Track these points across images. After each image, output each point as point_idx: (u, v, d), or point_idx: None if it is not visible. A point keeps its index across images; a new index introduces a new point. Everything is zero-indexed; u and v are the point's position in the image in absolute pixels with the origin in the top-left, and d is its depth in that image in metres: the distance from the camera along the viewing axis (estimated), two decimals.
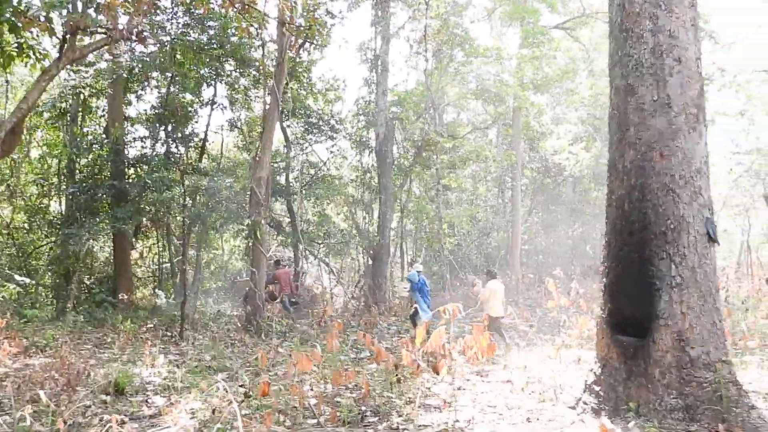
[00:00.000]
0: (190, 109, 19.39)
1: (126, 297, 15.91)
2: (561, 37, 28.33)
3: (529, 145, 32.54)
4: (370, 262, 20.06)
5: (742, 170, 28.72)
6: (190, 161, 19.24)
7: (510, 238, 29.37)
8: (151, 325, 13.94)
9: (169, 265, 21.03)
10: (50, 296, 15.95)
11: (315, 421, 6.57)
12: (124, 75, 17.33)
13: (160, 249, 21.64)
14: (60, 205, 19.93)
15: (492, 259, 29.96)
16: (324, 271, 24.88)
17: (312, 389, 7.78)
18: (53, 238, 18.19)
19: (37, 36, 10.57)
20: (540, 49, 24.64)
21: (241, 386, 7.74)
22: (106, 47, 17.09)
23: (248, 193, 17.14)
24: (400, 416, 6.89)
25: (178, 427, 6.28)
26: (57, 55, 9.89)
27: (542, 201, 34.58)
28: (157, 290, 17.66)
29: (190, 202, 16.37)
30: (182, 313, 12.62)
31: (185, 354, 10.73)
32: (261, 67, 15.82)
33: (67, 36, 9.50)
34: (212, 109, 20.69)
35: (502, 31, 30.83)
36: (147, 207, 16.75)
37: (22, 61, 10.21)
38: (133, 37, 9.56)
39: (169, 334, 13.04)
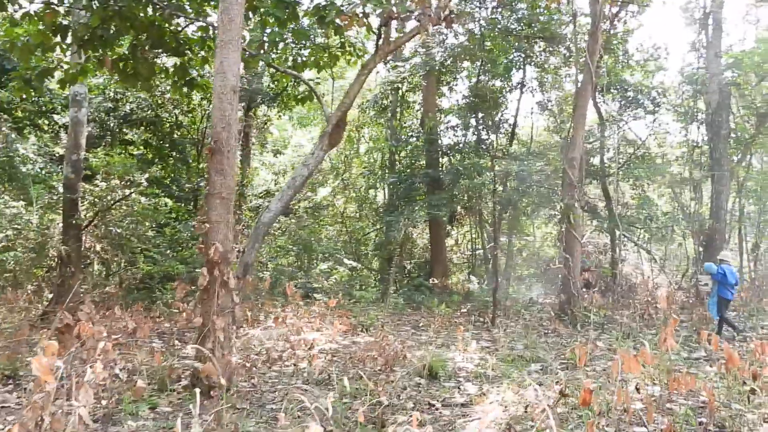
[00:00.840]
0: (499, 95, 19.29)
1: (441, 281, 16.44)
2: None
3: None
4: (701, 249, 17.60)
5: None
6: (500, 147, 19.15)
7: None
8: (464, 310, 14.08)
9: (481, 251, 21.31)
10: (375, 279, 17.25)
11: (644, 430, 5.63)
12: (437, 67, 17.88)
13: (474, 236, 22.05)
14: (384, 194, 21.56)
15: None
16: (644, 259, 22.72)
17: (639, 392, 6.79)
18: (378, 226, 19.71)
19: (357, 33, 11.33)
20: None
21: (556, 383, 7.10)
22: (418, 36, 18.04)
23: (560, 175, 16.36)
24: None
25: (489, 420, 5.92)
26: (373, 49, 10.38)
27: None
28: (470, 276, 17.92)
29: (501, 187, 16.16)
30: (494, 299, 12.43)
31: (497, 341, 10.46)
32: (572, 43, 14.83)
33: (382, 28, 9.87)
34: (522, 93, 20.31)
35: None
36: (459, 194, 17.05)
37: (344, 59, 11.01)
38: (442, 22, 9.50)
39: (481, 319, 12.98)
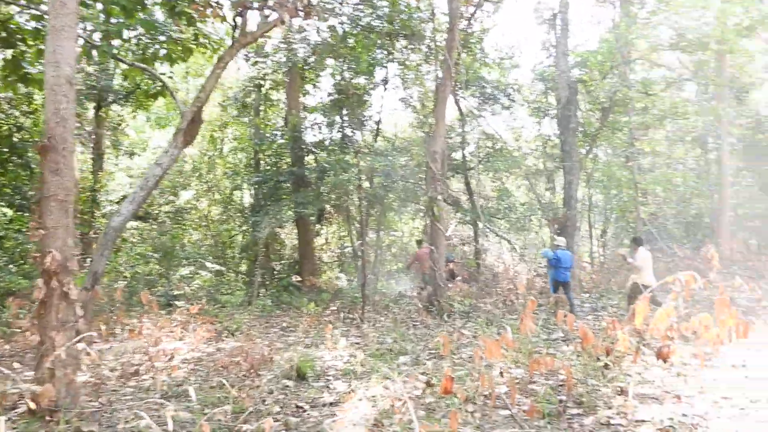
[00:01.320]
0: (363, 92, 19.34)
1: (310, 280, 16.24)
2: None
3: (736, 98, 28.52)
4: (556, 236, 18.66)
5: None
6: (365, 143, 19.21)
7: (716, 203, 26.04)
8: (334, 308, 13.95)
9: (351, 248, 21.32)
10: (242, 282, 16.71)
11: (508, 412, 5.74)
12: (299, 64, 17.63)
13: (343, 234, 22.00)
14: (250, 195, 20.97)
15: (694, 228, 26.95)
16: (506, 249, 23.78)
17: (502, 375, 6.96)
18: (244, 227, 19.11)
19: (212, 25, 10.82)
20: None
21: (422, 374, 7.12)
22: (280, 31, 17.68)
23: (424, 170, 16.68)
24: (609, 408, 5.83)
25: (357, 417, 5.79)
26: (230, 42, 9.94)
27: (753, 160, 30.30)
28: (339, 273, 17.84)
29: (367, 183, 16.20)
30: (363, 294, 12.40)
31: (366, 336, 10.40)
32: (432, 40, 15.14)
33: (237, 20, 9.47)
34: (385, 90, 20.51)
35: None
36: (326, 191, 16.91)
37: (199, 52, 10.47)
38: (301, 14, 9.26)
39: (350, 316, 12.89)
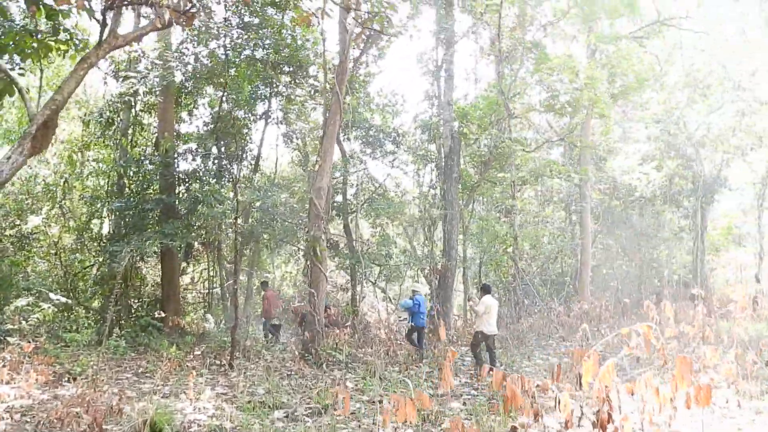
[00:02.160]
0: (242, 125, 18.28)
1: (173, 321, 14.69)
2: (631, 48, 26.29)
3: (595, 165, 30.36)
4: (434, 287, 18.34)
5: None
6: (243, 177, 18.06)
7: (578, 263, 27.18)
8: (198, 352, 12.58)
9: (219, 289, 19.82)
10: (93, 319, 14.76)
11: None
12: (176, 86, 16.35)
13: (212, 273, 20.46)
14: (109, 224, 18.99)
15: (557, 285, 27.88)
16: (379, 298, 23.24)
17: None
18: (101, 258, 17.11)
19: (77, 23, 9.49)
20: (613, 56, 22.77)
21: None
22: (157, 46, 16.32)
23: (306, 208, 15.82)
24: None
25: None
26: (97, 41, 8.70)
27: (609, 224, 32.31)
28: (206, 314, 16.35)
29: (242, 218, 15.05)
30: (233, 339, 11.17)
31: (236, 386, 9.22)
32: (322, 66, 14.53)
33: (106, 15, 8.29)
34: (266, 124, 19.58)
35: (566, 46, 28.91)
36: (198, 223, 15.56)
37: (58, 50, 9.10)
38: (182, 18, 8.23)
39: (217, 362, 11.61)
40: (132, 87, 15.31)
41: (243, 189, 13.48)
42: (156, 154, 16.33)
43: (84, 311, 14.02)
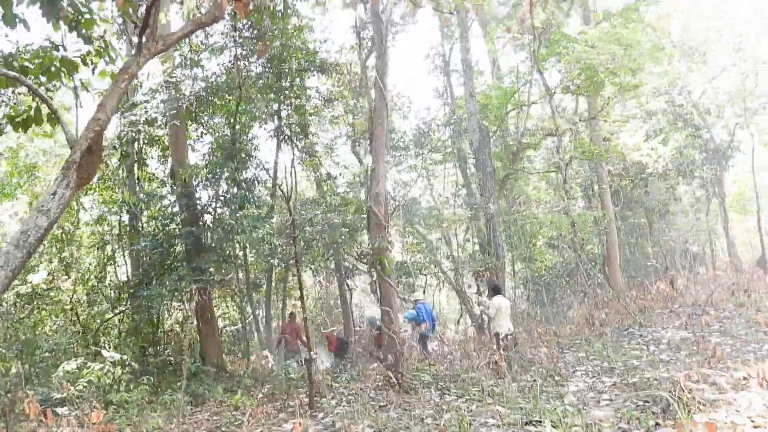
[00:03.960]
0: (250, 144, 17.01)
1: (220, 365, 13.37)
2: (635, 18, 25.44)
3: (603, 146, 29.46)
4: (486, 291, 17.08)
5: None
6: (260, 197, 16.73)
7: (604, 248, 26.02)
8: (261, 395, 11.19)
9: (243, 323, 18.43)
10: (132, 375, 13.25)
11: None
12: (188, 104, 15.04)
13: (238, 304, 19.04)
14: (126, 268, 17.48)
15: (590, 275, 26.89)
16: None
17: None
18: (124, 307, 15.61)
19: (104, 33, 8.16)
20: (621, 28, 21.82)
21: None
22: (162, 70, 15.00)
23: (345, 222, 14.55)
24: None
25: None
26: (134, 50, 7.41)
27: (621, 205, 31.34)
28: (266, 351, 14.93)
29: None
30: (309, 374, 9.77)
31: (339, 429, 7.87)
32: (351, 69, 13.36)
33: (146, 14, 6.99)
34: (279, 141, 18.35)
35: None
36: (230, 253, 14.20)
37: (86, 65, 7.78)
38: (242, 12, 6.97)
39: (291, 404, 10.23)
40: (143, 115, 13.91)
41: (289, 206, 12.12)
42: (175, 185, 14.95)
43: (121, 368, 12.50)
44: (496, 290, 12.31)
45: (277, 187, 15.96)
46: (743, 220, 36.86)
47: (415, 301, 14.05)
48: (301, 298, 9.74)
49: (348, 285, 20.48)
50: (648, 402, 7.42)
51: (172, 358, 13.90)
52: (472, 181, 18.06)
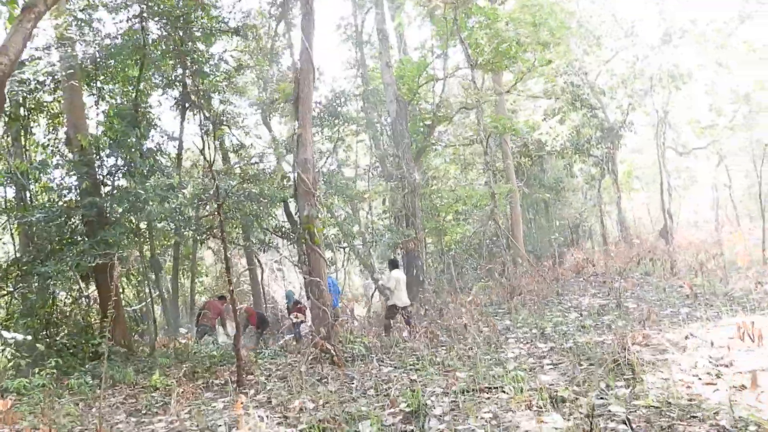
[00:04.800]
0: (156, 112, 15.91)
1: (124, 343, 12.47)
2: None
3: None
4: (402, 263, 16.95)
5: None
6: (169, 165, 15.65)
7: (509, 223, 26.67)
8: (180, 375, 10.44)
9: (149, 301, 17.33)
10: (27, 359, 11.95)
11: None
12: (86, 65, 13.72)
13: (137, 283, 17.83)
14: (14, 244, 15.85)
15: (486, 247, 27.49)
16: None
17: None
18: (14, 286, 14.10)
19: None
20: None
21: None
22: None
23: (263, 192, 13.85)
24: None
25: None
26: None
27: (520, 182, 32.34)
28: (182, 329, 13.99)
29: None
30: (237, 351, 9.17)
31: (278, 408, 7.38)
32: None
33: None
34: (185, 110, 17.27)
35: None
36: (137, 225, 13.17)
37: None
38: None
39: (216, 382, 9.61)
40: (38, 73, 12.50)
41: (208, 173, 11.27)
42: (71, 152, 13.61)
43: (18, 351, 11.28)
44: (393, 264, 12.82)
45: (200, 152, 14.90)
46: (629, 197, 39.07)
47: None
48: (227, 269, 9.07)
49: (259, 261, 19.78)
50: (593, 365, 7.46)
51: (73, 341, 12.71)
52: (388, 154, 17.74)
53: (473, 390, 6.79)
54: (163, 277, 18.11)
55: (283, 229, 16.04)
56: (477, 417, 5.96)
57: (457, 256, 25.75)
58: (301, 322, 13.90)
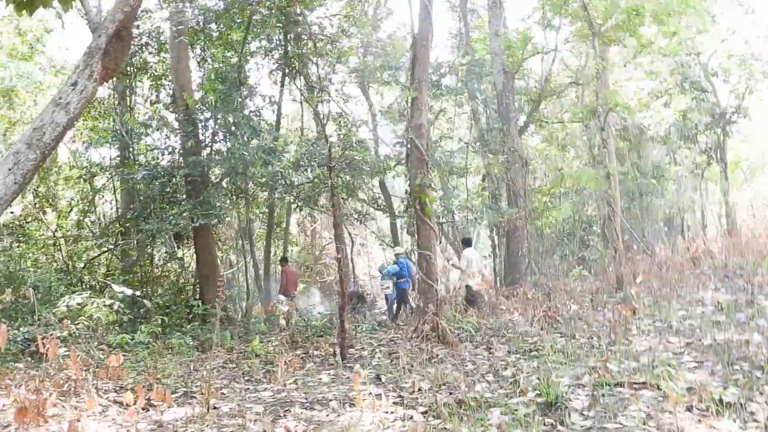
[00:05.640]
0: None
1: (220, 307, 12.23)
2: None
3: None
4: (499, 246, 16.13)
5: None
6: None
7: (606, 210, 25.16)
8: (277, 343, 10.12)
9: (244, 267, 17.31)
10: (130, 316, 11.95)
11: None
12: (191, 26, 13.54)
13: (232, 248, 17.84)
14: (112, 204, 16.06)
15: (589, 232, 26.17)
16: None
17: None
18: (113, 243, 14.22)
19: None
20: None
21: None
22: None
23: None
24: None
25: None
26: None
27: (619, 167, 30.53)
28: (280, 296, 13.78)
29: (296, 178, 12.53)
30: (341, 322, 8.71)
31: (389, 384, 6.85)
32: None
33: None
34: (284, 76, 16.92)
35: None
36: (241, 187, 12.96)
37: None
38: None
39: (319, 353, 9.21)
40: (146, 32, 12.36)
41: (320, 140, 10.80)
42: (176, 112, 13.52)
43: (125, 307, 11.26)
44: (466, 243, 12.40)
45: (313, 111, 14.53)
46: (740, 189, 36.42)
47: (396, 255, 13.75)
48: (336, 237, 8.60)
49: (350, 233, 19.40)
50: (737, 367, 6.53)
51: (171, 301, 12.67)
52: (493, 127, 16.80)
53: (609, 384, 6.03)
54: (254, 244, 18.05)
55: (379, 201, 15.52)
56: (627, 416, 5.21)
57: (550, 240, 24.62)
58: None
